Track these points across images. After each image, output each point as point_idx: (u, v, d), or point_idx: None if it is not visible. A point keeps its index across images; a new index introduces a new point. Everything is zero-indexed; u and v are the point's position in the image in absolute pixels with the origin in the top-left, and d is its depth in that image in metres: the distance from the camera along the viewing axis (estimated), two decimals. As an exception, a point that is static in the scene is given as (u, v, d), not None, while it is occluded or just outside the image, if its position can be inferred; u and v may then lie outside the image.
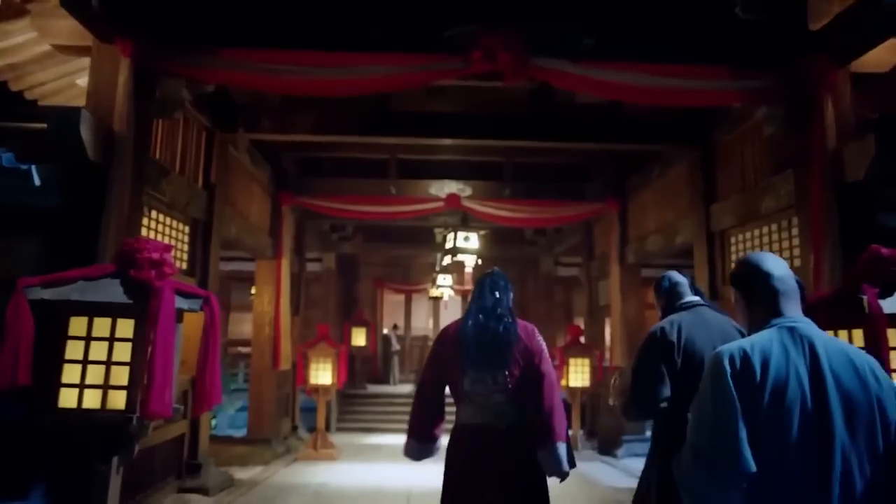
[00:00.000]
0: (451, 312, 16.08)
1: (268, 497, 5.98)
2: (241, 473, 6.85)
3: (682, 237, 7.03)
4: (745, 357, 1.52)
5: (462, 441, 2.74)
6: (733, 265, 5.95)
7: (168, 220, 5.32)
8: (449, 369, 2.81)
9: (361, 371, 13.97)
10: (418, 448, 2.87)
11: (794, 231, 4.92)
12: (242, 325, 14.14)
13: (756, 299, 1.68)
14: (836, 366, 1.50)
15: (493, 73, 4.63)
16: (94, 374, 2.53)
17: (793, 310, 1.62)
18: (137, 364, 2.54)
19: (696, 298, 2.77)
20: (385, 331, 15.52)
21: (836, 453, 1.42)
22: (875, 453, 1.45)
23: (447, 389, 2.87)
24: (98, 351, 2.55)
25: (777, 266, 1.69)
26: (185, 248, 5.73)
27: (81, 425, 2.49)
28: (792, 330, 1.56)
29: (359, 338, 13.37)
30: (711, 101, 5.01)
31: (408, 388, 13.85)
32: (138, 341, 2.56)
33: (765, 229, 5.39)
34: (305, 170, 9.48)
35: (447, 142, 6.50)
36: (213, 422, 10.82)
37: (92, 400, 2.51)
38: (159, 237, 5.14)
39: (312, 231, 11.68)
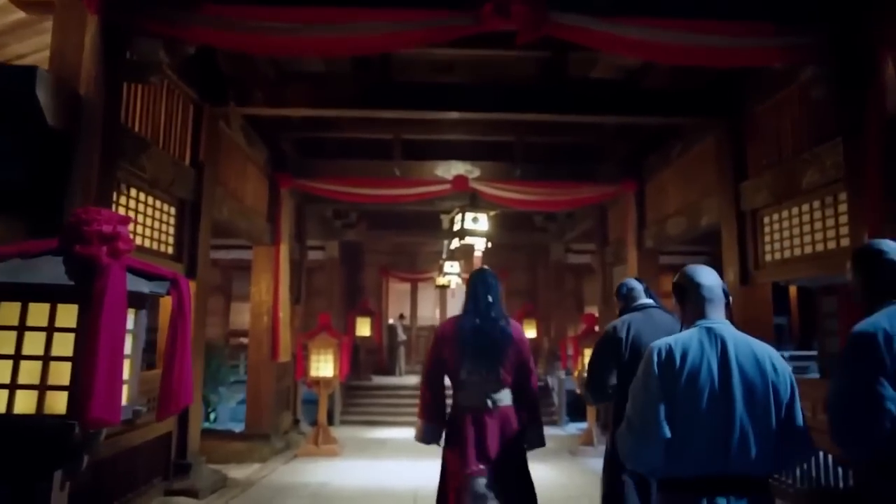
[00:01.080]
0: (459, 301, 15.60)
1: (262, 499, 5.56)
2: (236, 472, 6.44)
3: (707, 218, 6.54)
4: (670, 350, 1.95)
5: (460, 419, 3.20)
6: (767, 246, 5.50)
7: (150, 200, 4.87)
8: (448, 362, 3.25)
9: (366, 362, 13.57)
10: (429, 428, 3.28)
11: (842, 207, 4.41)
12: (244, 315, 13.72)
13: (688, 304, 2.09)
14: (741, 358, 1.92)
15: (503, 39, 4.15)
16: (29, 372, 2.08)
17: (715, 314, 2.04)
18: (83, 359, 2.09)
19: (649, 301, 3.22)
20: (391, 321, 15.10)
21: (736, 426, 1.85)
22: (769, 427, 1.87)
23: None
24: (34, 343, 2.09)
25: (707, 278, 2.09)
26: (172, 230, 5.28)
27: (12, 434, 2.05)
28: (710, 330, 1.98)
29: (363, 328, 13.01)
30: (751, 61, 4.49)
31: (414, 380, 13.40)
32: (83, 331, 2.11)
33: (804, 207, 4.89)
34: (305, 151, 9.01)
35: (454, 115, 6.01)
36: (213, 415, 10.46)
37: (26, 403, 2.06)
38: (140, 217, 4.70)
39: (314, 217, 11.23)
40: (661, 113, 6.20)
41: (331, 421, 10.38)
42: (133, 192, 4.57)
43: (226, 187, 6.52)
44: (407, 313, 15.56)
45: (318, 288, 14.20)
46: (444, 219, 13.36)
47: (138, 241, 4.68)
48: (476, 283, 3.31)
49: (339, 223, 13.04)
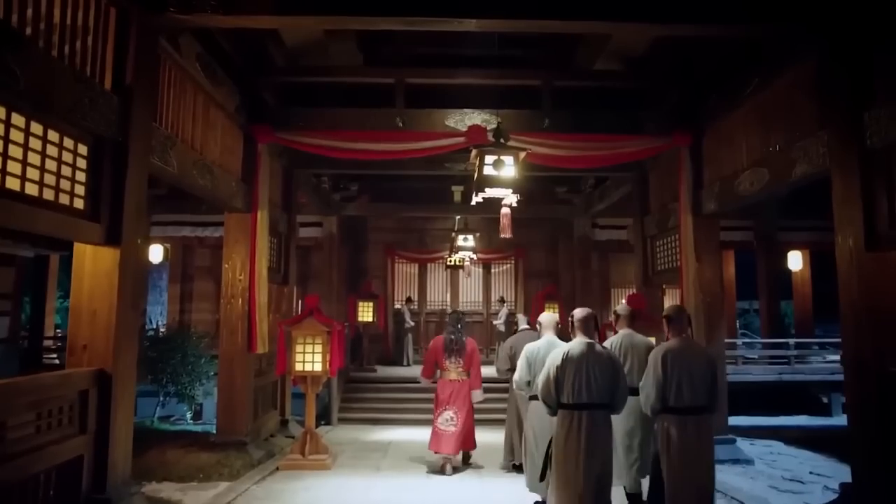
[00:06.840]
0: (473, 282, 14.18)
1: (216, 542, 4.13)
2: (194, 496, 5.03)
3: (803, 167, 4.98)
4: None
5: (444, 386, 6.33)
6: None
7: (36, 128, 3.38)
8: (438, 356, 6.39)
9: (370, 351, 12.16)
10: (428, 381, 6.53)
11: None
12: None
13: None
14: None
15: None
16: None
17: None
18: None
19: (527, 326, 6.27)
20: (397, 305, 13.63)
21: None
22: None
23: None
24: None
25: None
26: (83, 178, 3.81)
27: None
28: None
29: (366, 313, 11.57)
30: None
31: (423, 371, 11.98)
32: None
33: None
34: (288, 99, 7.50)
35: (472, 24, 4.46)
36: (189, 414, 9.08)
37: None
38: (14, 150, 3.22)
39: (310, 189, 9.76)
40: (750, 19, 4.61)
41: (328, 420, 8.99)
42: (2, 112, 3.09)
43: (175, 131, 5.04)
44: (415, 297, 14.09)
45: (316, 269, 12.75)
46: (456, 191, 11.89)
47: (14, 185, 3.21)
48: (452, 319, 6.59)
49: (338, 196, 11.58)
